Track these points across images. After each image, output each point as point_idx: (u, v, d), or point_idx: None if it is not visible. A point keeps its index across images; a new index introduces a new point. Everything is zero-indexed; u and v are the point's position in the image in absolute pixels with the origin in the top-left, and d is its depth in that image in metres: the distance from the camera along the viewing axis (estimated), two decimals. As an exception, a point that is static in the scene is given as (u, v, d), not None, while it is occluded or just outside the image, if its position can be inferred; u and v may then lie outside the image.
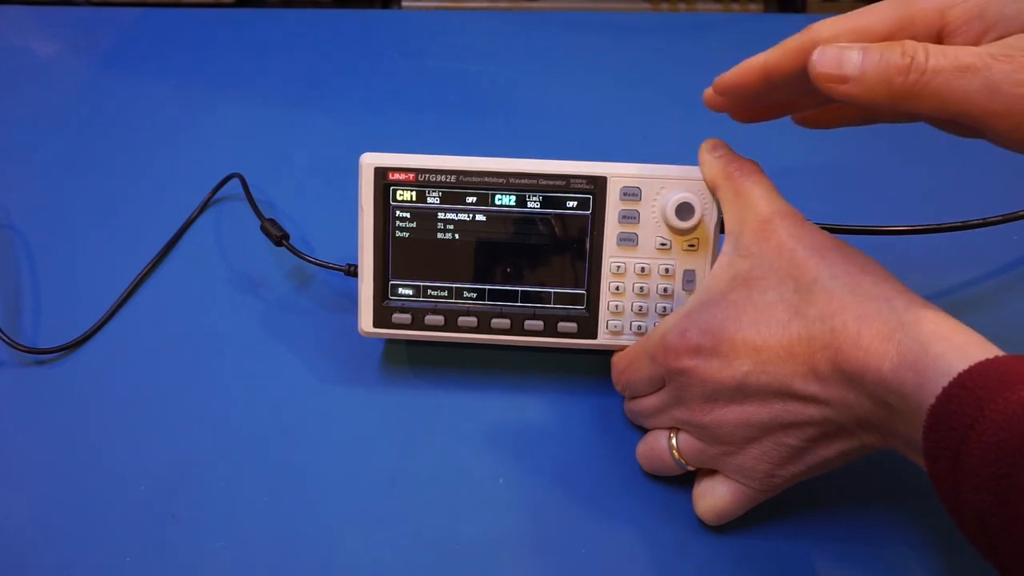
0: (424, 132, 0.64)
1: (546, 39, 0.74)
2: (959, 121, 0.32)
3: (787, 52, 0.36)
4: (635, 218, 0.43)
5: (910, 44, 0.32)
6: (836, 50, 0.33)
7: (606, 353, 0.45)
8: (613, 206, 0.43)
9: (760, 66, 0.37)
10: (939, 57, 0.31)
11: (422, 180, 0.43)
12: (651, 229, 0.43)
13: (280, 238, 0.52)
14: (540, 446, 0.45)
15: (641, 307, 0.44)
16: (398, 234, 0.44)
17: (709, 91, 0.40)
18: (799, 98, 0.40)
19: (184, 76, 0.69)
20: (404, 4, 0.86)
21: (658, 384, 0.41)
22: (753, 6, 0.87)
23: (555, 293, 0.44)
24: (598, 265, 0.44)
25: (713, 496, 0.40)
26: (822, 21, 0.35)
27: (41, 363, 0.49)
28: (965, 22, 0.32)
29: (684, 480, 0.42)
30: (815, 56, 0.33)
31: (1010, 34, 0.31)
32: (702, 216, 0.42)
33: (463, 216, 0.44)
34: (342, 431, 0.46)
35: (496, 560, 0.41)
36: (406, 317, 0.45)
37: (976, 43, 0.32)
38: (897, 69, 0.31)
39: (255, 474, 0.44)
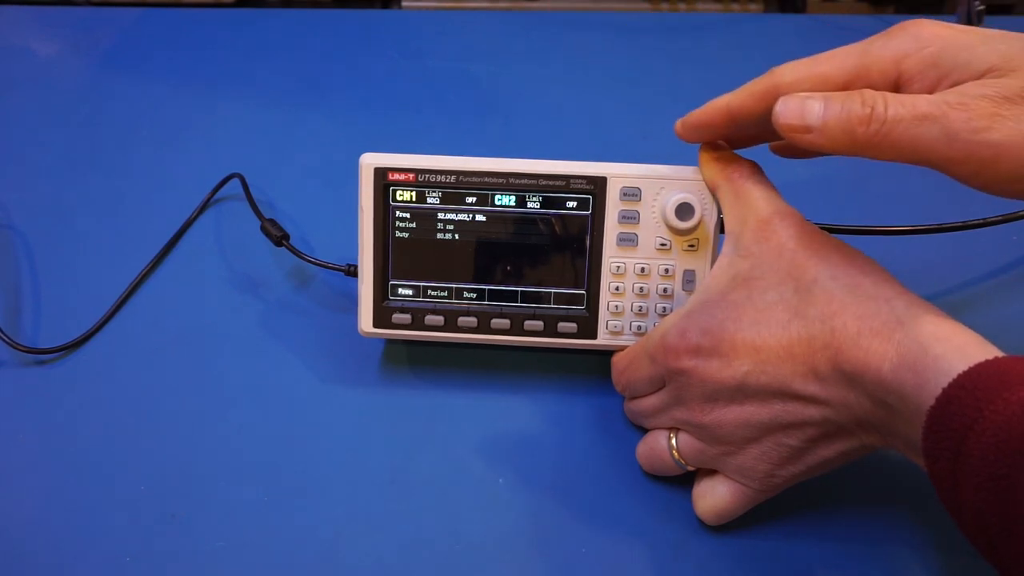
0: (424, 132, 0.64)
1: (546, 39, 0.73)
2: (921, 165, 0.33)
3: (751, 95, 0.37)
4: (635, 218, 0.43)
5: (869, 94, 0.33)
6: (799, 101, 0.34)
7: (606, 353, 0.45)
8: (613, 206, 0.43)
9: (724, 108, 0.38)
10: (898, 107, 0.32)
11: (422, 180, 0.43)
12: (651, 229, 0.43)
13: (280, 238, 0.52)
14: (540, 446, 0.45)
15: (641, 307, 0.44)
16: (398, 234, 0.44)
17: (679, 125, 0.41)
18: (768, 134, 0.42)
19: (184, 76, 0.69)
20: (404, 4, 0.86)
21: (658, 384, 0.41)
22: (753, 6, 0.87)
23: (555, 293, 0.44)
24: (598, 265, 0.44)
25: (713, 496, 0.40)
26: (784, 65, 0.36)
27: (41, 363, 0.49)
28: (920, 71, 0.33)
29: (684, 480, 0.42)
30: (778, 107, 0.34)
31: (963, 82, 0.32)
32: (702, 216, 0.42)
33: (463, 216, 0.44)
34: (342, 431, 0.46)
35: (496, 560, 0.41)
36: (406, 317, 0.45)
37: (931, 91, 0.33)
38: (858, 120, 0.32)
39: (255, 474, 0.44)
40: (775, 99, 0.35)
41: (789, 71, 0.36)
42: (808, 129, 0.33)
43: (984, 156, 0.31)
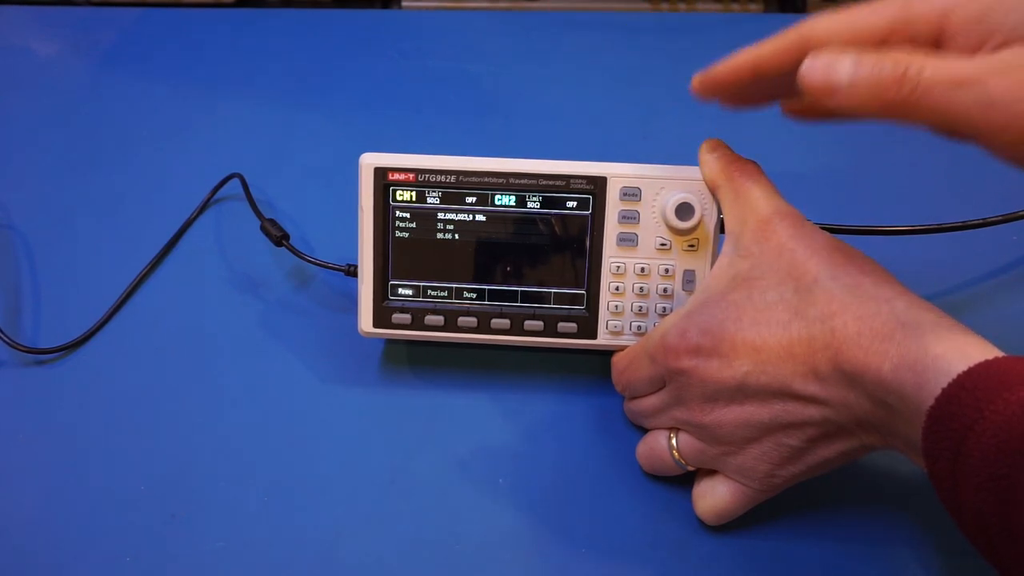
0: (424, 132, 0.64)
1: (546, 39, 0.73)
2: (955, 133, 0.31)
3: (779, 49, 0.35)
4: (635, 218, 0.43)
5: (904, 55, 0.31)
6: (827, 59, 0.32)
7: (606, 353, 0.45)
8: (613, 206, 0.43)
9: (751, 63, 0.36)
10: (934, 70, 0.30)
11: (422, 180, 0.43)
12: (651, 229, 0.43)
13: (280, 238, 0.52)
14: (540, 446, 0.45)
15: (641, 307, 0.44)
16: (398, 234, 0.44)
17: (696, 81, 0.38)
18: (789, 90, 0.39)
19: (184, 76, 0.69)
20: (404, 4, 0.86)
21: (658, 384, 0.41)
22: (753, 6, 0.87)
23: (555, 293, 0.44)
24: (598, 265, 0.44)
25: (713, 496, 0.40)
26: (817, 17, 0.34)
27: (41, 363, 0.49)
28: (965, 28, 0.31)
29: (684, 480, 0.42)
30: (805, 66, 0.32)
31: (1010, 44, 0.30)
32: (702, 216, 0.42)
33: (463, 216, 0.44)
34: (342, 431, 0.46)
35: (496, 560, 0.41)
36: (406, 317, 0.45)
37: (975, 50, 0.31)
38: (891, 81, 0.30)
39: (255, 474, 0.44)
40: (804, 54, 0.33)
41: (822, 24, 0.34)
42: (835, 90, 0.31)
43: (1019, 129, 0.29)
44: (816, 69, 0.32)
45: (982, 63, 0.30)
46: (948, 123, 0.31)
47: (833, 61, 0.31)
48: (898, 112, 0.31)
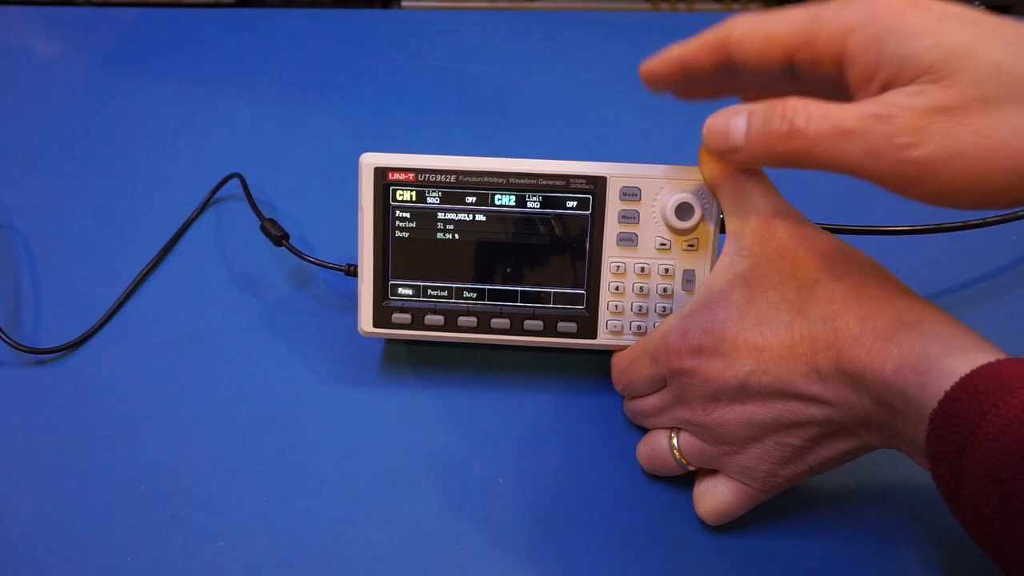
0: (424, 132, 0.64)
1: (546, 39, 0.73)
2: (852, 176, 0.31)
3: (703, 47, 0.36)
4: (635, 218, 0.43)
5: (792, 106, 0.31)
6: (723, 120, 0.33)
7: (606, 353, 0.45)
8: (613, 206, 0.43)
9: (676, 59, 0.37)
10: (820, 121, 0.30)
11: (422, 180, 0.43)
12: (651, 229, 0.43)
13: (280, 238, 0.52)
14: (540, 446, 0.45)
15: (641, 307, 0.44)
16: (398, 234, 0.44)
17: (640, 72, 0.39)
18: (727, 87, 0.39)
19: (184, 76, 0.69)
20: (404, 4, 0.86)
21: (659, 384, 0.41)
22: (753, 6, 0.87)
23: (555, 293, 0.44)
24: (598, 265, 0.44)
25: (714, 496, 0.40)
26: (738, 18, 0.34)
27: (41, 363, 0.49)
28: (863, 50, 0.31)
29: (684, 480, 0.42)
30: (705, 129, 0.33)
31: (899, 77, 0.30)
32: (702, 216, 0.42)
33: (463, 216, 0.44)
34: (342, 431, 0.46)
35: (496, 560, 0.41)
36: (406, 317, 0.45)
37: (871, 74, 0.31)
38: (780, 136, 0.31)
39: (255, 474, 0.44)
40: (726, 52, 0.34)
41: (741, 26, 0.34)
42: (735, 149, 0.32)
43: (910, 173, 0.29)
44: (715, 131, 0.33)
45: (866, 110, 0.29)
46: (841, 170, 0.31)
47: (728, 121, 0.32)
48: (793, 163, 0.31)
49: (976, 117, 0.28)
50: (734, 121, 0.32)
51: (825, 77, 0.33)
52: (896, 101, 0.29)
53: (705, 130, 0.33)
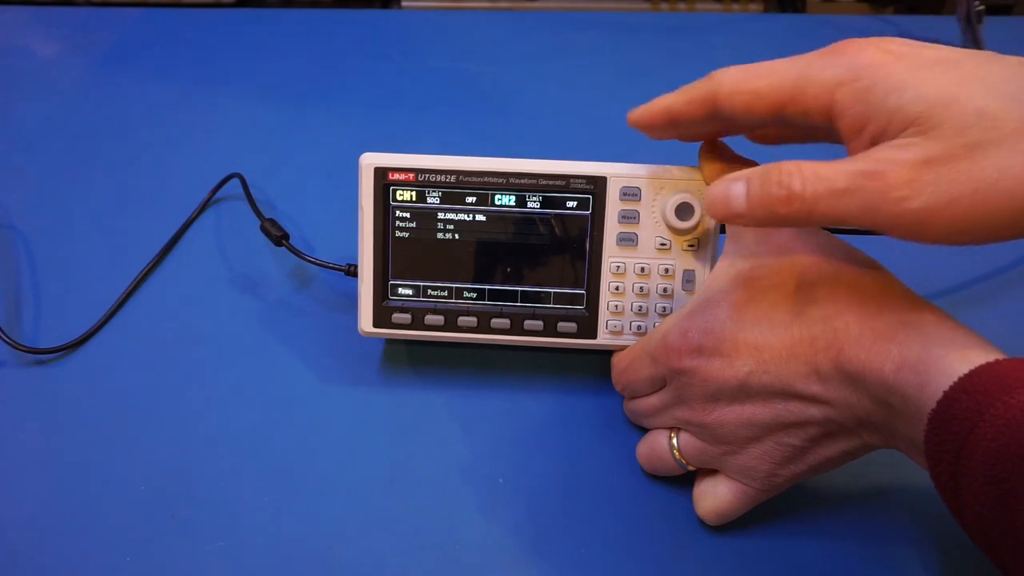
0: (424, 132, 0.64)
1: (546, 39, 0.74)
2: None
3: (690, 101, 0.36)
4: (635, 218, 0.43)
5: (787, 169, 0.32)
6: (722, 190, 0.33)
7: (606, 353, 0.45)
8: (613, 206, 0.43)
9: (664, 112, 0.37)
10: (815, 183, 0.31)
11: (422, 180, 0.43)
12: (651, 229, 0.43)
13: (280, 238, 0.52)
14: (540, 446, 0.45)
15: (641, 307, 0.44)
16: (398, 234, 0.44)
17: (629, 118, 0.40)
18: (715, 132, 0.40)
19: (184, 76, 0.69)
20: (404, 4, 0.86)
21: (659, 384, 0.41)
22: (753, 6, 0.87)
23: (555, 293, 0.44)
24: (598, 265, 0.44)
25: (714, 496, 0.40)
26: (724, 72, 0.35)
27: (41, 363, 0.49)
28: (851, 104, 0.31)
29: (684, 480, 0.42)
30: (706, 200, 0.34)
31: (887, 130, 0.30)
32: (702, 216, 0.42)
33: (463, 216, 0.44)
34: (342, 431, 0.46)
35: (496, 560, 0.41)
36: (406, 317, 0.45)
37: (860, 127, 0.31)
38: (779, 201, 0.31)
39: (255, 474, 0.44)
40: (713, 106, 0.35)
41: (728, 82, 0.35)
42: (738, 215, 0.33)
43: (909, 223, 0.30)
44: (717, 200, 0.33)
45: (859, 167, 0.30)
46: (843, 225, 0.32)
47: (727, 189, 0.33)
48: (797, 223, 0.32)
49: (965, 164, 0.28)
50: (733, 189, 0.33)
51: (816, 126, 0.34)
52: (886, 156, 0.29)
53: (706, 200, 0.34)
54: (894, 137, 0.30)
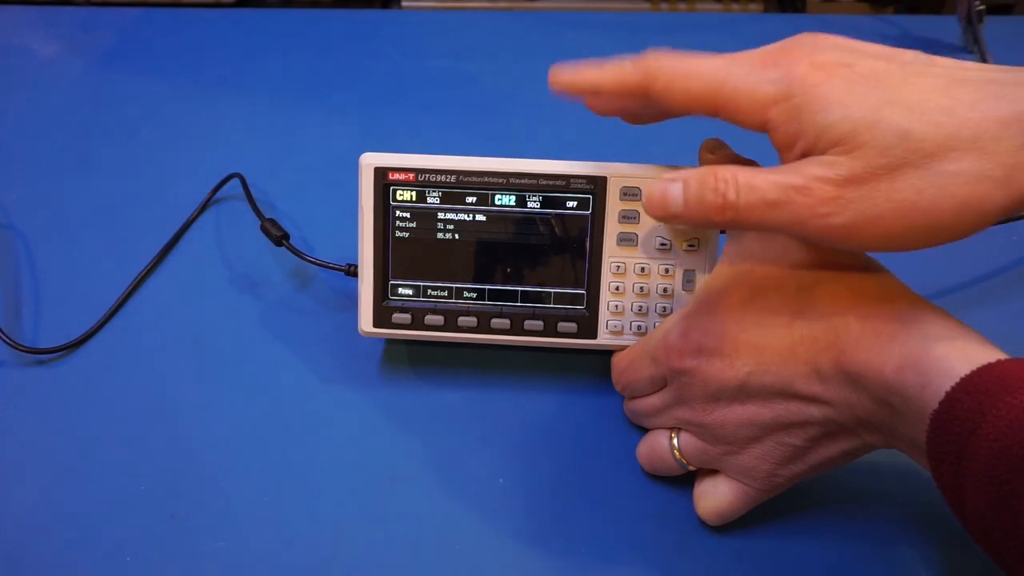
0: (424, 132, 0.64)
1: (546, 39, 0.74)
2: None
3: (622, 84, 0.36)
4: (635, 218, 0.43)
5: (723, 176, 0.32)
6: (660, 190, 0.34)
7: (606, 353, 0.45)
8: (613, 206, 0.43)
9: (592, 86, 0.37)
10: (748, 194, 0.32)
11: (422, 180, 0.43)
12: (651, 229, 0.43)
13: (280, 238, 0.52)
14: (540, 446, 0.45)
15: (641, 307, 0.44)
16: (398, 234, 0.44)
17: (550, 79, 0.39)
18: (644, 117, 0.41)
19: (184, 76, 0.69)
20: (404, 4, 0.86)
21: (659, 384, 0.41)
22: (753, 6, 0.87)
23: (555, 293, 0.44)
24: (598, 265, 0.44)
25: (714, 496, 0.40)
26: (659, 63, 0.35)
27: (41, 363, 0.49)
28: (784, 122, 0.32)
29: (684, 480, 0.42)
30: (644, 199, 0.35)
31: (816, 146, 0.31)
32: (702, 216, 0.42)
33: (463, 216, 0.44)
34: (342, 431, 0.46)
35: (496, 560, 0.41)
36: (406, 317, 0.45)
37: (791, 142, 0.32)
38: (713, 208, 0.33)
39: (255, 474, 0.44)
40: (644, 94, 0.35)
41: (663, 77, 0.35)
42: (675, 216, 0.34)
43: (834, 236, 0.31)
44: (654, 200, 0.34)
45: (788, 181, 0.31)
46: (775, 231, 0.34)
47: (665, 190, 0.34)
48: (730, 228, 0.34)
49: (885, 184, 0.30)
50: (671, 190, 0.34)
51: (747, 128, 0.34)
52: (814, 173, 0.31)
53: (644, 199, 0.35)
54: (822, 153, 0.31)
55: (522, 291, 0.44)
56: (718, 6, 0.87)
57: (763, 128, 0.33)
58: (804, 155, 0.32)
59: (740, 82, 0.33)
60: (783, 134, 0.32)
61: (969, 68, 0.32)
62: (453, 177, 0.43)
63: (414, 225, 0.44)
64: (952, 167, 0.29)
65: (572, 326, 0.44)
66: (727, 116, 0.34)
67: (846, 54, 0.33)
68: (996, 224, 0.31)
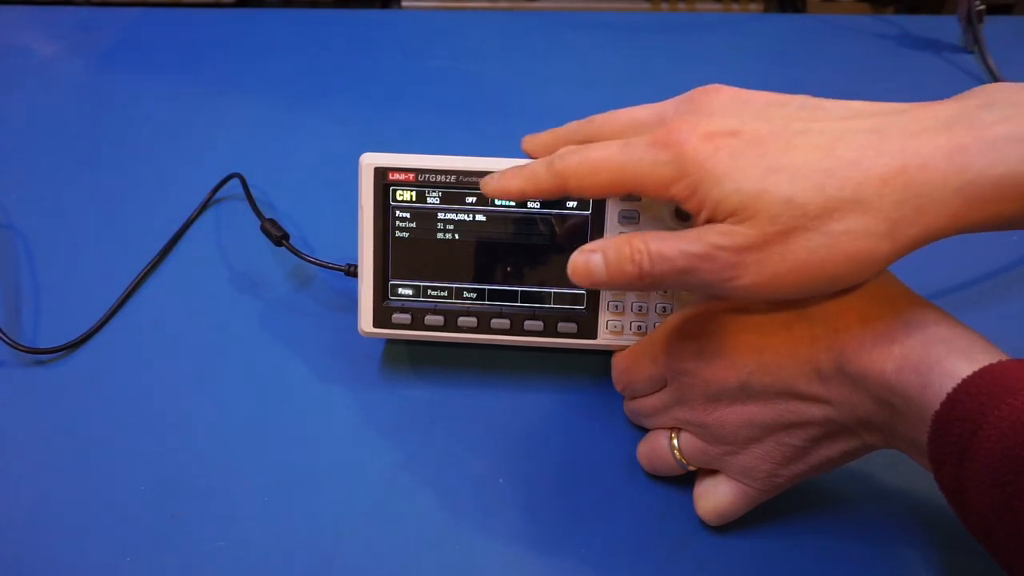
0: (424, 132, 0.64)
1: (546, 39, 0.74)
2: None
3: (543, 191, 0.37)
4: (635, 218, 0.43)
5: (636, 247, 0.34)
6: (583, 260, 0.35)
7: (606, 353, 0.45)
8: (613, 206, 0.43)
9: (519, 193, 0.38)
10: (660, 264, 0.34)
11: (422, 180, 0.43)
12: (651, 229, 0.43)
13: (280, 238, 0.52)
14: (540, 446, 0.45)
15: (641, 307, 0.44)
16: (398, 234, 0.44)
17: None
18: None
19: (184, 76, 0.69)
20: (404, 4, 0.86)
21: (659, 384, 0.41)
22: (753, 6, 0.87)
23: (555, 293, 0.44)
24: (598, 265, 0.43)
25: (715, 496, 0.40)
26: (564, 163, 0.36)
27: (41, 363, 0.49)
28: (686, 198, 0.34)
29: (684, 480, 0.42)
30: (569, 269, 0.36)
31: (715, 215, 0.33)
32: (702, 216, 0.42)
33: (463, 216, 0.44)
34: (342, 431, 0.46)
35: (496, 560, 0.41)
36: (406, 317, 0.45)
37: (696, 211, 0.34)
38: (632, 276, 0.34)
39: (255, 474, 0.44)
40: (565, 193, 0.37)
41: (572, 177, 0.36)
42: (600, 283, 0.35)
43: (741, 295, 0.33)
44: (578, 271, 0.36)
45: (694, 250, 0.33)
46: (691, 291, 0.37)
47: (588, 260, 0.35)
48: (652, 289, 0.36)
49: (779, 248, 0.32)
50: (593, 260, 0.35)
51: None
52: (715, 242, 0.33)
53: (569, 269, 0.36)
54: (721, 222, 0.33)
55: (522, 291, 0.44)
56: (718, 6, 0.87)
57: (672, 201, 0.34)
58: (708, 221, 0.33)
59: (638, 168, 0.34)
60: (689, 205, 0.34)
61: (857, 115, 0.34)
62: (453, 177, 0.43)
63: (414, 225, 0.44)
64: (838, 226, 0.31)
65: (572, 326, 0.44)
66: (640, 195, 0.37)
67: (733, 119, 0.34)
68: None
